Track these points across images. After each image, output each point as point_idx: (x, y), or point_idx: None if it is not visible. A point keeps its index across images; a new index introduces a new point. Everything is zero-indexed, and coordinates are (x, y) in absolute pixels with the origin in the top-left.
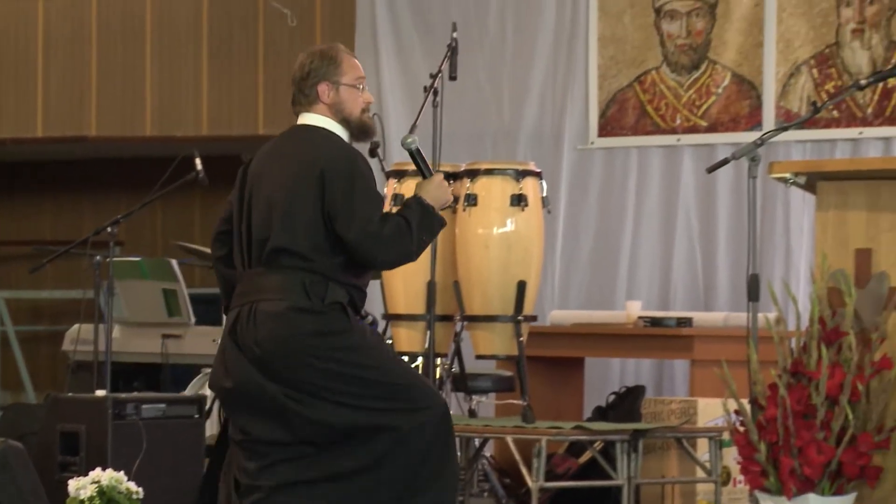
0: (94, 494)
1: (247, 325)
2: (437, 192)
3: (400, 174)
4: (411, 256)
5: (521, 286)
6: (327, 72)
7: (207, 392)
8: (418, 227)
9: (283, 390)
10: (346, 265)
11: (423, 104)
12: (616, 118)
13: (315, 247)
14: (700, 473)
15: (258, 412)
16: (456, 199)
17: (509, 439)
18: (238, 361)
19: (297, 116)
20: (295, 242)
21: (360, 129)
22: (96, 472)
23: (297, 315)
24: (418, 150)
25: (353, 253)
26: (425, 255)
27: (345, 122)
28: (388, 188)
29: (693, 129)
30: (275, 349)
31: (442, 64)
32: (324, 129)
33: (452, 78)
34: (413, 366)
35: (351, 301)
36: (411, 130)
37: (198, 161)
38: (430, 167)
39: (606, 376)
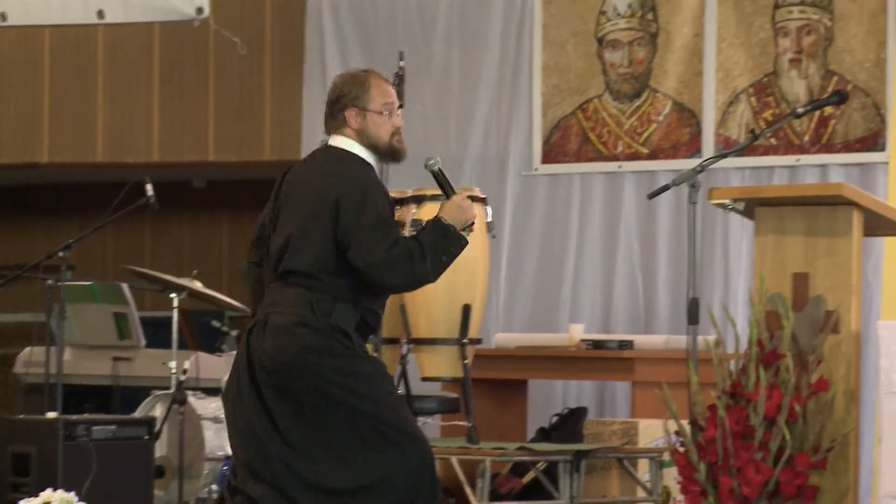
0: None
1: (259, 335)
2: (456, 211)
3: None
4: (427, 278)
5: (466, 309)
6: (356, 97)
7: (157, 414)
8: (433, 248)
9: (275, 426)
10: (356, 286)
11: None
12: (559, 145)
13: (324, 268)
14: (641, 493)
15: (245, 436)
16: (414, 223)
17: (454, 460)
18: (243, 381)
19: (329, 137)
20: (305, 264)
21: (389, 154)
22: (47, 493)
23: (299, 329)
24: (441, 170)
25: (364, 280)
26: None
27: (372, 147)
28: None
29: (635, 156)
30: (279, 360)
31: None
32: (348, 152)
33: (400, 106)
34: None
35: (362, 323)
36: None
37: (148, 187)
38: (453, 187)
39: (549, 398)
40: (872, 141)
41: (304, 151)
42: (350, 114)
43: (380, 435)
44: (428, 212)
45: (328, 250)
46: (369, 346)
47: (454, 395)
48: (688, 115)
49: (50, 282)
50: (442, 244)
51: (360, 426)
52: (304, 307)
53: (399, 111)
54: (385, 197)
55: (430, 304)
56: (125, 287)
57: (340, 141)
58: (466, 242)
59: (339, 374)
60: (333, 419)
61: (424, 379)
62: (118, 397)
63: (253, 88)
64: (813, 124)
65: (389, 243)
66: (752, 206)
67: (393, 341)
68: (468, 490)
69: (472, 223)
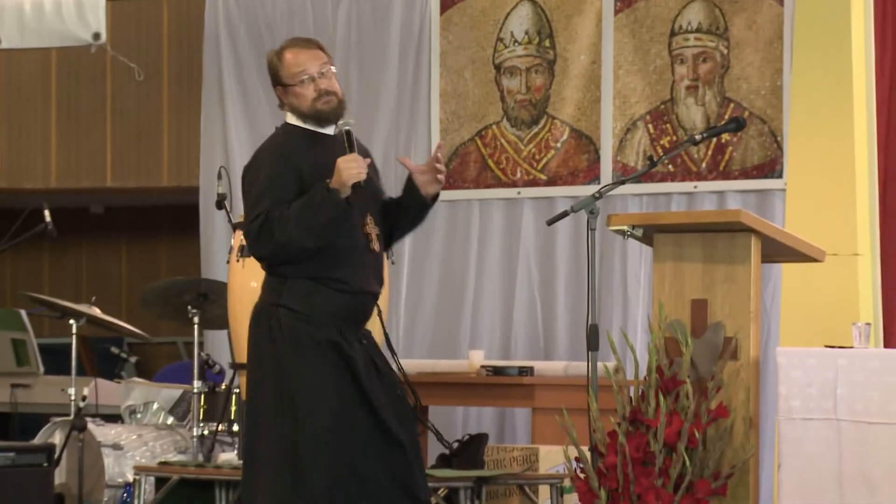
0: None
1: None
2: (341, 167)
3: None
4: (291, 244)
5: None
6: (276, 75)
7: (56, 440)
8: (298, 214)
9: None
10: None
11: None
12: (458, 171)
13: None
14: None
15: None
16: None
17: None
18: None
19: None
20: None
21: (316, 119)
22: None
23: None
24: (349, 132)
25: None
26: None
27: (302, 116)
28: (235, 240)
29: (533, 183)
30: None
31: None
32: (276, 128)
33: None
34: None
35: (321, 300)
36: None
37: (46, 213)
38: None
39: (450, 424)
40: (769, 168)
41: (203, 176)
42: (278, 92)
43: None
44: None
45: None
46: None
47: None
48: (586, 142)
49: None
50: (309, 209)
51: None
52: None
53: (326, 70)
54: (281, 164)
55: None
56: (23, 313)
57: (286, 118)
58: (339, 203)
59: (262, 351)
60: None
61: None
62: (17, 424)
63: (151, 114)
64: (710, 151)
65: (253, 215)
66: (650, 233)
67: None
68: None
69: (359, 182)
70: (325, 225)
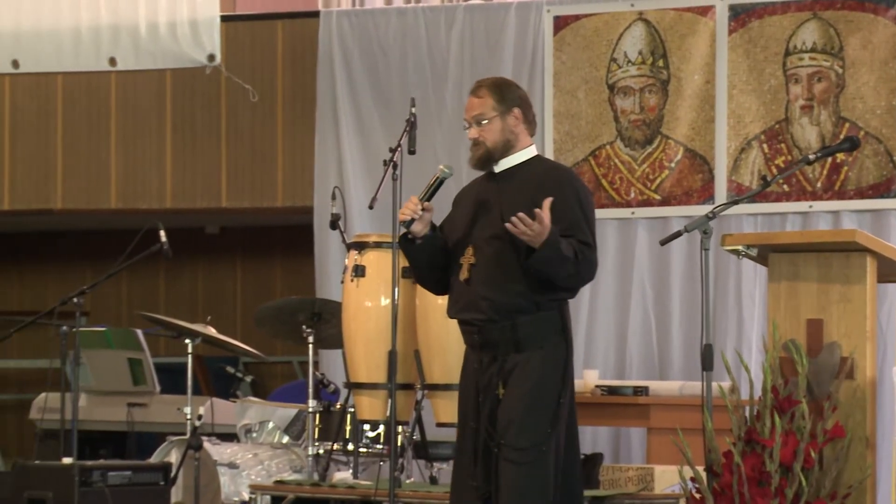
0: None
1: None
2: None
3: (361, 246)
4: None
5: None
6: None
7: (172, 459)
8: None
9: None
10: None
11: (383, 178)
12: None
13: None
14: None
15: None
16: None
17: None
18: None
19: None
20: None
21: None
22: None
23: None
24: (442, 182)
25: None
26: (386, 325)
27: None
28: (349, 260)
29: (647, 203)
30: None
31: (401, 138)
32: None
33: (411, 152)
34: (374, 434)
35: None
36: (371, 204)
37: (162, 233)
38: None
39: None
40: (885, 187)
41: (317, 197)
42: None
43: None
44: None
45: None
46: None
47: None
48: (700, 162)
49: (65, 328)
50: None
51: None
52: None
53: (468, 125)
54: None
55: (445, 350)
56: (140, 333)
57: None
58: (402, 240)
59: None
60: None
61: (439, 425)
62: (133, 443)
63: (265, 134)
64: (825, 171)
65: None
66: (764, 253)
67: (408, 386)
68: None
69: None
70: (408, 261)
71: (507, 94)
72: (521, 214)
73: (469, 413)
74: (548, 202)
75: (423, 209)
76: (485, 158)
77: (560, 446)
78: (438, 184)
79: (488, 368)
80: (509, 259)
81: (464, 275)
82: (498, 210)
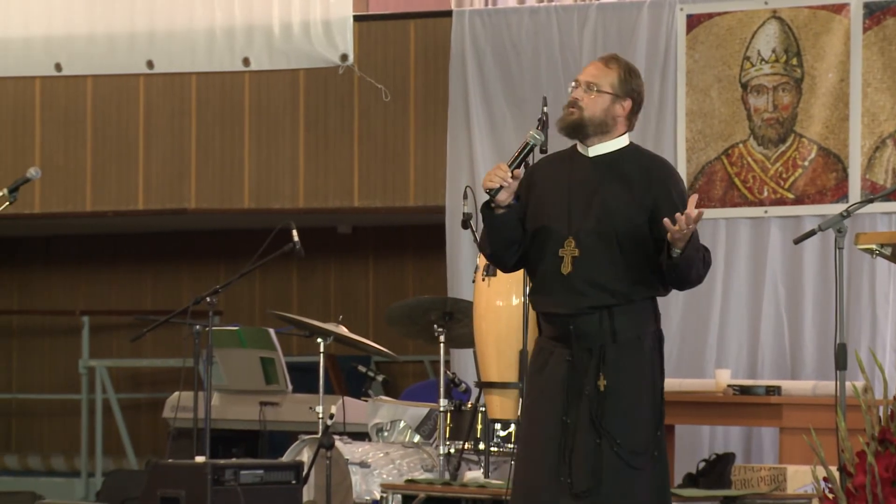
0: None
1: None
2: None
3: None
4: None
5: None
6: None
7: (304, 458)
8: None
9: None
10: None
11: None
12: (704, 190)
13: None
14: None
15: None
16: None
17: None
18: None
19: None
20: None
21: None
22: None
23: None
24: (532, 147)
25: None
26: (517, 324)
27: None
28: (481, 259)
29: (780, 202)
30: None
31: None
32: None
33: (543, 151)
34: (505, 433)
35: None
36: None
37: (294, 233)
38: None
39: (697, 443)
40: None
41: (449, 196)
42: None
43: None
44: None
45: None
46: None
47: None
48: (834, 160)
49: (198, 327)
50: None
51: None
52: None
53: (576, 85)
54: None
55: None
56: (272, 332)
57: None
58: (484, 209)
59: None
60: None
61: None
62: (266, 442)
63: (397, 134)
64: None
65: None
66: None
67: None
68: None
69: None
70: (486, 231)
71: (630, 82)
72: (688, 215)
73: (556, 409)
74: (693, 200)
75: (511, 177)
76: (575, 125)
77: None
78: (528, 150)
79: (585, 361)
80: (613, 252)
81: (567, 268)
82: (600, 200)
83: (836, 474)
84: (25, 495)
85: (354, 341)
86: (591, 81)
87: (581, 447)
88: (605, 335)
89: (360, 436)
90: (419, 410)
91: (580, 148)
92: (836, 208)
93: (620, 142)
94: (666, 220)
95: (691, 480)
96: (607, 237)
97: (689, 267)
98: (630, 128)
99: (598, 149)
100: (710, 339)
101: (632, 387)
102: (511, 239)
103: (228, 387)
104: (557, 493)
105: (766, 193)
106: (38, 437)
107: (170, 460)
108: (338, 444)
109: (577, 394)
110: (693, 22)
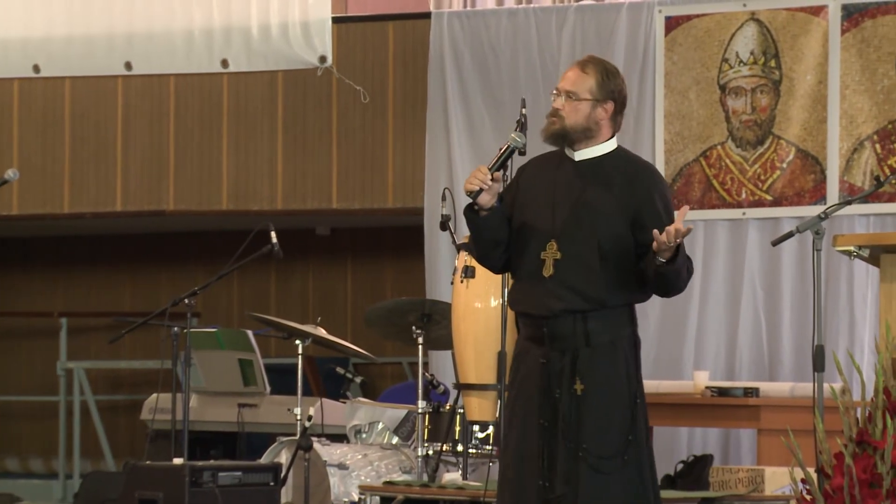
0: None
1: None
2: None
3: (471, 247)
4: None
5: None
6: None
7: (282, 460)
8: None
9: None
10: None
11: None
12: (682, 192)
13: None
14: None
15: None
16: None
17: None
18: None
19: None
20: None
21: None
22: None
23: None
24: (512, 151)
25: None
26: (496, 326)
27: None
28: (459, 261)
29: (758, 203)
30: None
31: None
32: None
33: (522, 153)
34: (484, 435)
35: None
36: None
37: (273, 234)
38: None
39: (675, 445)
40: None
41: (428, 198)
42: None
43: None
44: None
45: None
46: None
47: None
48: (812, 162)
49: (176, 329)
50: None
51: None
52: None
53: (557, 94)
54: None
55: None
56: (250, 334)
57: None
58: (466, 212)
59: None
60: None
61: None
62: (244, 444)
63: (376, 136)
64: None
65: None
66: (877, 253)
67: None
68: None
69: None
70: (471, 234)
71: (609, 84)
72: (677, 229)
73: (533, 410)
74: (682, 212)
75: (492, 179)
76: (558, 135)
77: (649, 451)
78: (509, 153)
79: (557, 363)
80: (594, 256)
81: (548, 271)
82: (583, 204)
83: (814, 476)
84: (3, 497)
85: (333, 343)
86: (570, 90)
87: (557, 451)
88: (579, 338)
89: (339, 437)
90: (397, 412)
91: (567, 151)
92: (815, 210)
93: (607, 146)
94: (655, 231)
95: (669, 482)
96: (589, 242)
97: (677, 276)
98: (616, 128)
99: (584, 153)
100: (688, 341)
101: (604, 391)
102: (496, 240)
103: (206, 388)
104: (535, 497)
105: (744, 195)
106: (16, 438)
107: (148, 462)
108: (316, 445)
109: (551, 396)
110: (672, 24)
